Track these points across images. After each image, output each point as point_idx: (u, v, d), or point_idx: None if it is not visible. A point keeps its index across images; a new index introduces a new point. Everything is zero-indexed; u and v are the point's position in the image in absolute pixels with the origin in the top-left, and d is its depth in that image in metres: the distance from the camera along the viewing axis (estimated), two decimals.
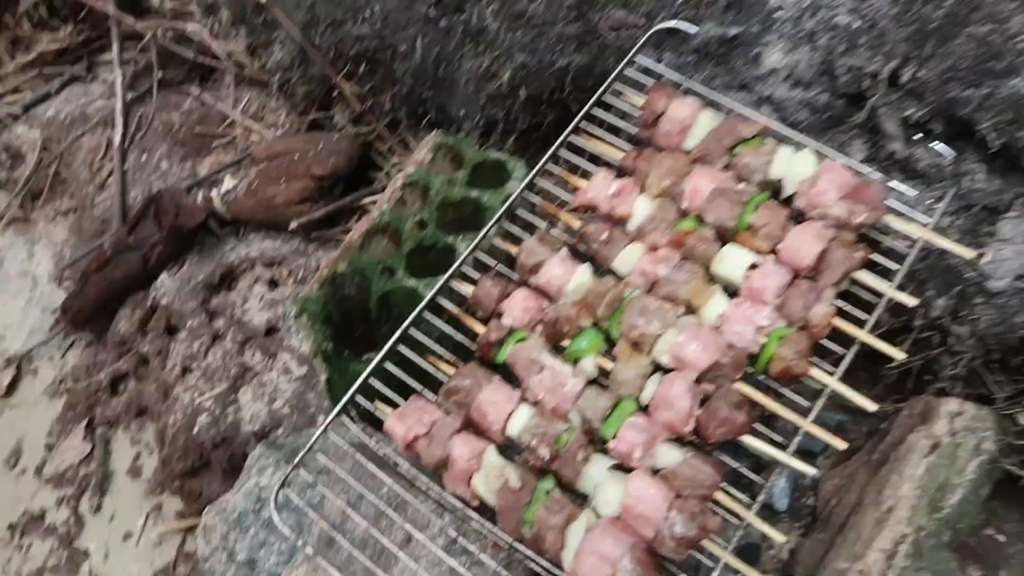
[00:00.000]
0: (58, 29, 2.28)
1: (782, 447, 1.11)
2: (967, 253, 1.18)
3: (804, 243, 1.16)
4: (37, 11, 2.28)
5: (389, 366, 1.18)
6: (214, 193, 1.87)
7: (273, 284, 1.70)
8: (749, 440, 1.09)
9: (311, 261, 1.73)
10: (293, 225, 1.76)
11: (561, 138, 1.30)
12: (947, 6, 1.23)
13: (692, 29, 1.40)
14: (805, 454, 1.65)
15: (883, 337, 1.37)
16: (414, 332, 1.19)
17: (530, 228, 1.34)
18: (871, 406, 1.09)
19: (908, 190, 1.26)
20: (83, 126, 2.15)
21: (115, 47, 2.17)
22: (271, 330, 1.63)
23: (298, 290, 1.67)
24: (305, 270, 1.71)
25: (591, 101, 1.33)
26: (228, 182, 1.87)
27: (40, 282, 2.02)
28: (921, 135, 1.29)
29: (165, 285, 1.74)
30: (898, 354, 1.14)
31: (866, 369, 1.54)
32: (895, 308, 1.34)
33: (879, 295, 1.19)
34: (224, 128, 2.05)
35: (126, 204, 2.00)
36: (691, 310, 1.16)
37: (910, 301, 1.16)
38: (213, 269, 1.73)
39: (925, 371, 1.42)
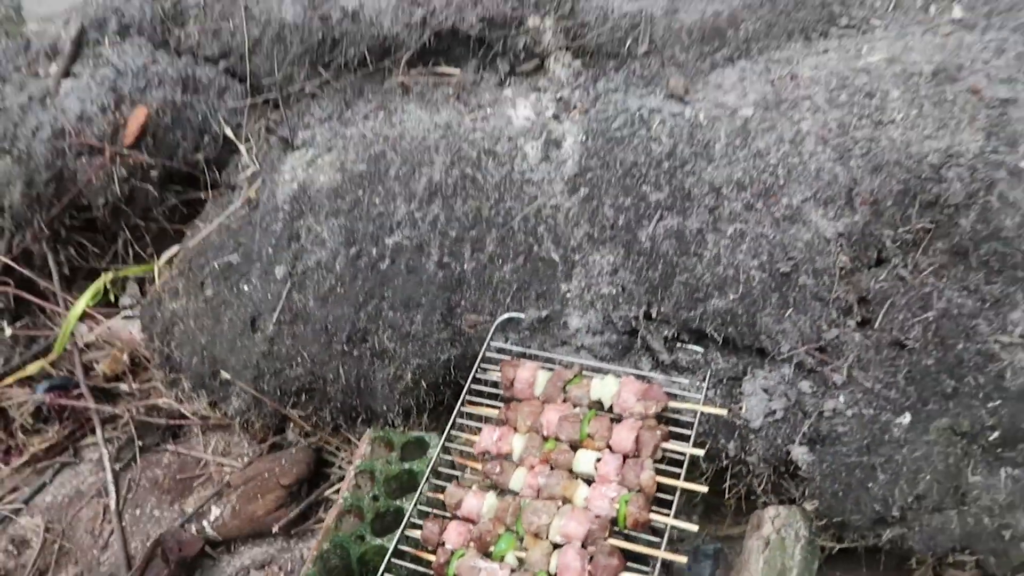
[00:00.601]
0: (45, 431, 2.80)
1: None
2: (722, 412, 1.83)
3: (623, 436, 1.78)
4: (24, 419, 2.81)
5: None
6: (204, 523, 2.33)
7: None
8: None
9: (295, 553, 2.18)
10: (275, 529, 2.24)
11: (454, 413, 1.92)
12: (660, 268, 1.99)
13: (521, 316, 2.12)
14: None
15: (712, 478, 1.97)
16: (387, 575, 1.68)
17: (452, 477, 1.90)
18: (693, 528, 1.65)
19: (682, 380, 1.93)
20: (79, 502, 2.60)
21: (99, 432, 2.71)
22: None
23: None
24: (292, 562, 2.16)
25: (468, 380, 1.98)
26: (214, 511, 2.34)
27: None
28: (678, 344, 1.99)
29: None
30: (703, 488, 1.72)
31: (726, 505, 2.11)
32: (710, 457, 1.96)
33: (684, 454, 1.79)
34: (200, 469, 2.56)
35: (129, 555, 2.41)
36: (566, 501, 1.73)
37: (699, 452, 1.77)
38: None
39: (751, 493, 2.00)
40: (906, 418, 1.74)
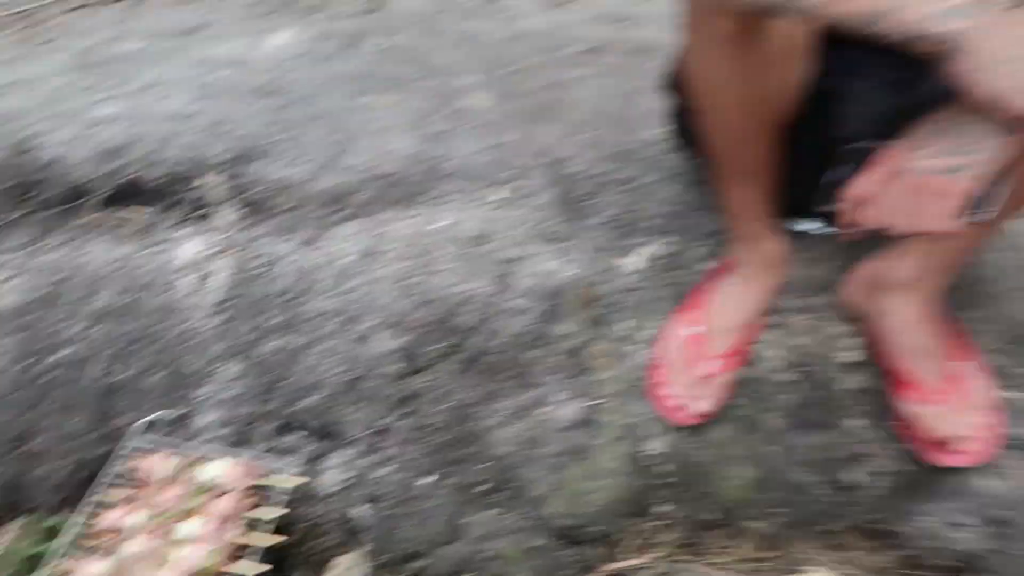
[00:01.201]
0: None
1: None
2: (307, 481, 2.48)
3: (222, 505, 2.35)
4: None
5: None
6: None
7: None
8: None
9: None
10: None
11: (84, 498, 2.39)
12: (273, 375, 2.65)
13: (163, 415, 2.65)
14: None
15: (311, 535, 2.59)
16: None
17: (86, 550, 2.34)
18: (263, 568, 2.25)
19: (283, 460, 2.56)
20: None
21: None
22: None
23: None
24: None
25: (104, 468, 2.47)
26: None
27: None
28: (283, 432, 2.63)
29: None
30: (283, 538, 2.33)
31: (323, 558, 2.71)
32: (302, 518, 2.58)
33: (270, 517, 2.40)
34: None
35: None
36: (168, 560, 2.25)
37: (284, 512, 2.39)
38: None
39: (336, 545, 2.63)
40: (430, 479, 2.49)
